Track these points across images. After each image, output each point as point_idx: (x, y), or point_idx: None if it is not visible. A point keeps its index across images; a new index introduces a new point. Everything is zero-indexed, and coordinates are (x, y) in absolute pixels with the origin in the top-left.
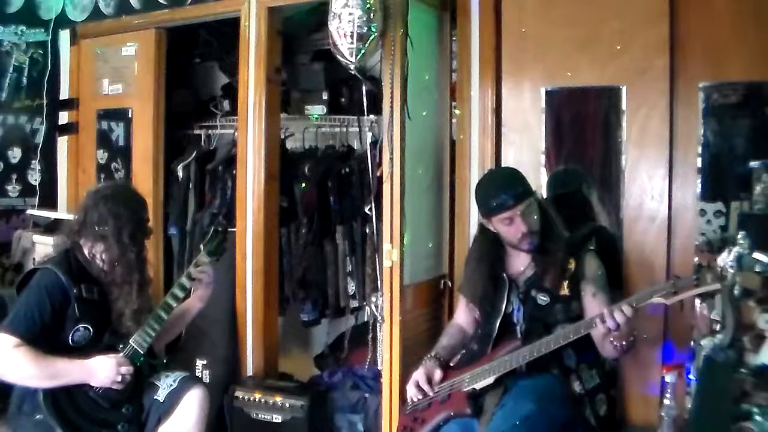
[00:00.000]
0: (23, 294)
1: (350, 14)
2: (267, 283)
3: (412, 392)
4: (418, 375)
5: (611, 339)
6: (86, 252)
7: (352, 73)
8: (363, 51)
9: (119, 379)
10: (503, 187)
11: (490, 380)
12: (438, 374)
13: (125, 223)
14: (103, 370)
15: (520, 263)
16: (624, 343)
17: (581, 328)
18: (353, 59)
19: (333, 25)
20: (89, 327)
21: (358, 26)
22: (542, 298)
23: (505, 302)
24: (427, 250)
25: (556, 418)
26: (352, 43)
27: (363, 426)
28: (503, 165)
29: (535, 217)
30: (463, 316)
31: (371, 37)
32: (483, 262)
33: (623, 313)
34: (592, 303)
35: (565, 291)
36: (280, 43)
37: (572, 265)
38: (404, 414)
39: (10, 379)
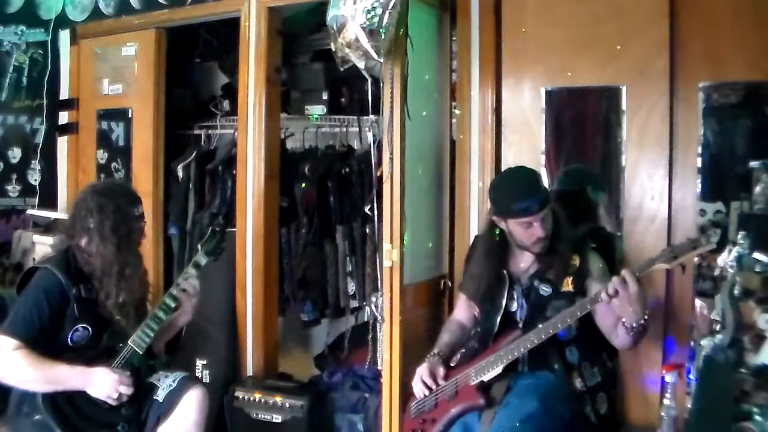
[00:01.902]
0: (22, 295)
1: (373, 10)
2: (267, 282)
3: (417, 388)
4: (423, 371)
5: (623, 321)
6: (79, 247)
7: (363, 73)
8: (384, 47)
9: (116, 396)
10: (529, 191)
11: (498, 370)
12: (441, 371)
13: (108, 216)
14: (102, 385)
15: (524, 261)
16: (635, 325)
17: (587, 304)
18: (380, 57)
19: (357, 22)
20: (88, 327)
21: (385, 22)
22: (544, 289)
23: (505, 299)
24: (427, 250)
25: (559, 416)
26: (376, 40)
27: (363, 426)
28: (503, 165)
29: (549, 221)
30: (463, 312)
31: (384, 33)
32: (485, 262)
33: (625, 280)
34: None
35: (568, 287)
36: (280, 43)
37: (576, 261)
38: (410, 418)
39: (9, 382)
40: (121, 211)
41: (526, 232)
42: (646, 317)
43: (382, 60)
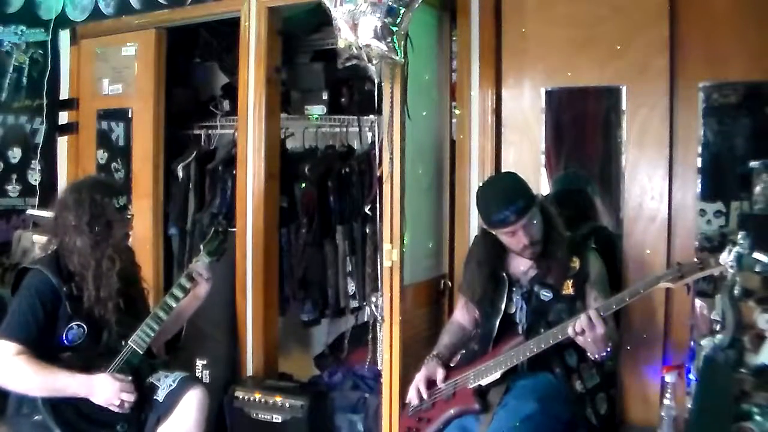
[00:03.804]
0: (15, 298)
1: (398, 8)
2: (267, 282)
3: (412, 395)
4: (419, 379)
5: (586, 349)
6: (65, 246)
7: (372, 75)
8: (401, 47)
9: (118, 403)
10: (505, 201)
11: (496, 375)
12: (441, 374)
13: (85, 210)
14: (104, 392)
15: (523, 263)
16: (597, 356)
17: (558, 334)
18: (399, 57)
19: (380, 20)
20: (83, 325)
21: (405, 23)
22: (545, 294)
23: (504, 302)
24: (427, 250)
25: (558, 417)
26: (391, 40)
27: (363, 426)
28: (503, 165)
29: (538, 224)
30: (463, 314)
31: (396, 32)
32: (483, 264)
33: (589, 320)
34: (593, 306)
35: (569, 290)
36: (280, 43)
37: (576, 264)
38: (408, 416)
39: (10, 387)
40: (98, 204)
41: (512, 240)
42: (608, 350)
43: (401, 60)
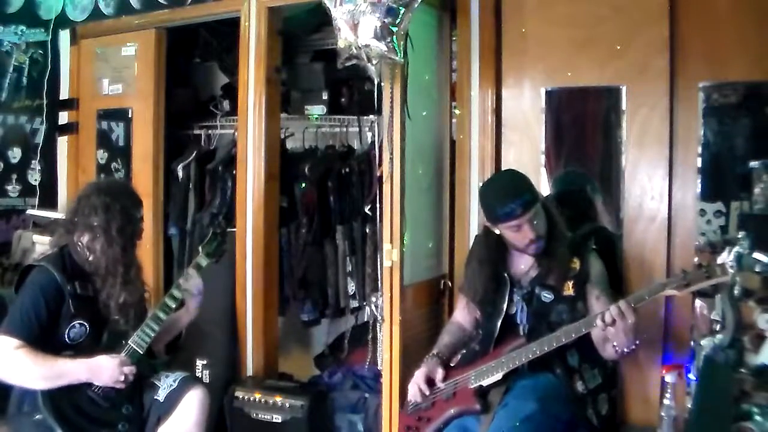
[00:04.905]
0: (19, 294)
1: (398, 9)
2: (267, 283)
3: (412, 392)
4: (419, 375)
5: (613, 344)
6: (77, 244)
7: (372, 75)
8: (401, 47)
9: (122, 378)
10: (511, 195)
11: (498, 376)
12: (440, 373)
13: (115, 216)
14: (106, 370)
15: (524, 263)
16: (626, 350)
17: (582, 327)
18: (399, 57)
19: (380, 20)
20: (85, 323)
21: (405, 23)
22: (546, 295)
23: (506, 302)
24: (427, 250)
25: (558, 417)
26: (391, 40)
27: (363, 426)
28: (503, 165)
29: (542, 221)
30: (463, 314)
31: (396, 32)
32: (485, 264)
33: (622, 313)
34: (597, 305)
35: (569, 291)
36: (280, 43)
37: (576, 265)
38: (407, 414)
39: (12, 381)
40: (127, 213)
41: (517, 234)
42: (637, 343)
43: (401, 60)
